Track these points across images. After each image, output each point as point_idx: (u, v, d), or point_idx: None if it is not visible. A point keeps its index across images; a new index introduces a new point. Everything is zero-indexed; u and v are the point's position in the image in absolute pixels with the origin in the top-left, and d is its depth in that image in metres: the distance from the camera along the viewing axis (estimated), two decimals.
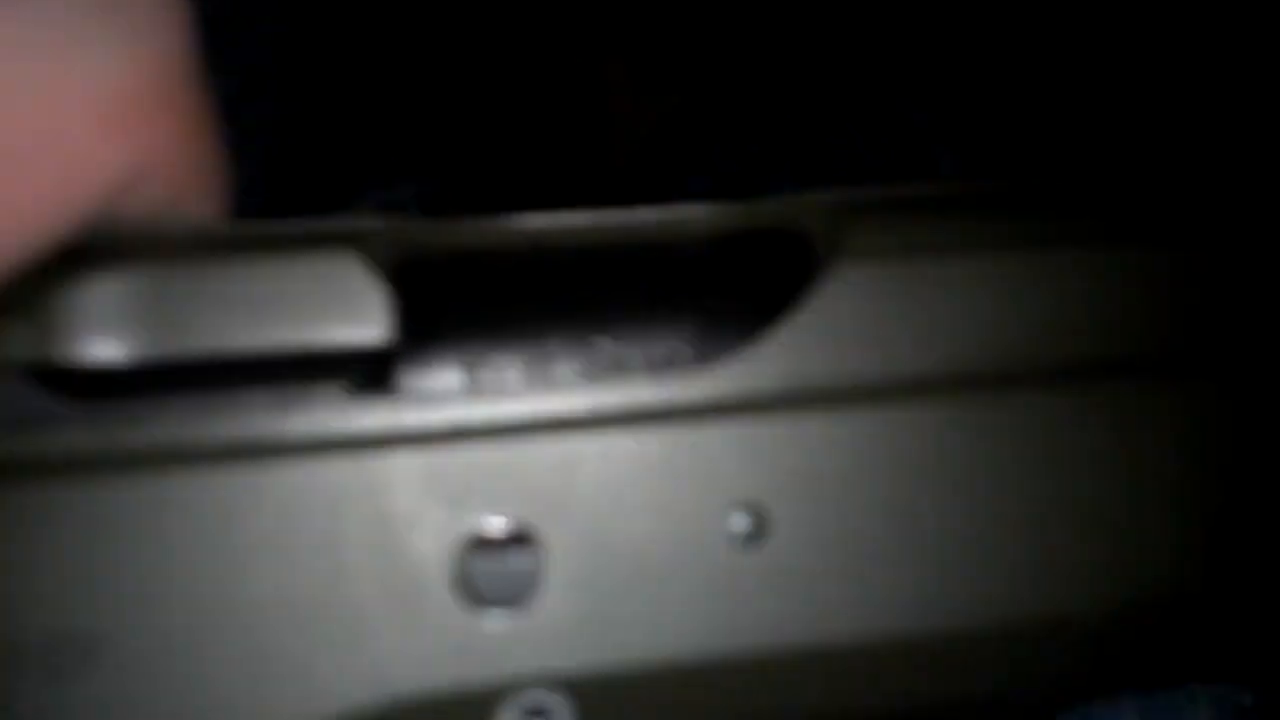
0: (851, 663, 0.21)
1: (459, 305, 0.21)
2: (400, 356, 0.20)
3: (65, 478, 0.19)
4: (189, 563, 0.19)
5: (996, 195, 0.23)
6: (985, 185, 0.23)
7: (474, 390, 0.20)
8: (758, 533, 0.20)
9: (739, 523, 0.20)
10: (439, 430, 0.20)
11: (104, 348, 0.18)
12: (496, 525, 0.20)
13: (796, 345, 0.21)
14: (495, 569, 0.20)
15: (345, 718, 0.19)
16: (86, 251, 0.18)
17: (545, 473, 0.20)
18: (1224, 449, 0.22)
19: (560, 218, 0.22)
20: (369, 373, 0.20)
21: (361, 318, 0.19)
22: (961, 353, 0.21)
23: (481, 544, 0.20)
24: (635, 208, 0.22)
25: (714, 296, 0.21)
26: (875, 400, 0.21)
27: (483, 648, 0.20)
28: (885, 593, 0.21)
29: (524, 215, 0.22)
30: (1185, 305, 0.22)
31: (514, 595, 0.20)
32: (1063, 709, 0.24)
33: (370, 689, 0.19)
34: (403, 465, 0.19)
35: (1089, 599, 0.21)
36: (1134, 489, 0.22)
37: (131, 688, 0.19)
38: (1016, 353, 0.21)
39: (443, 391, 0.20)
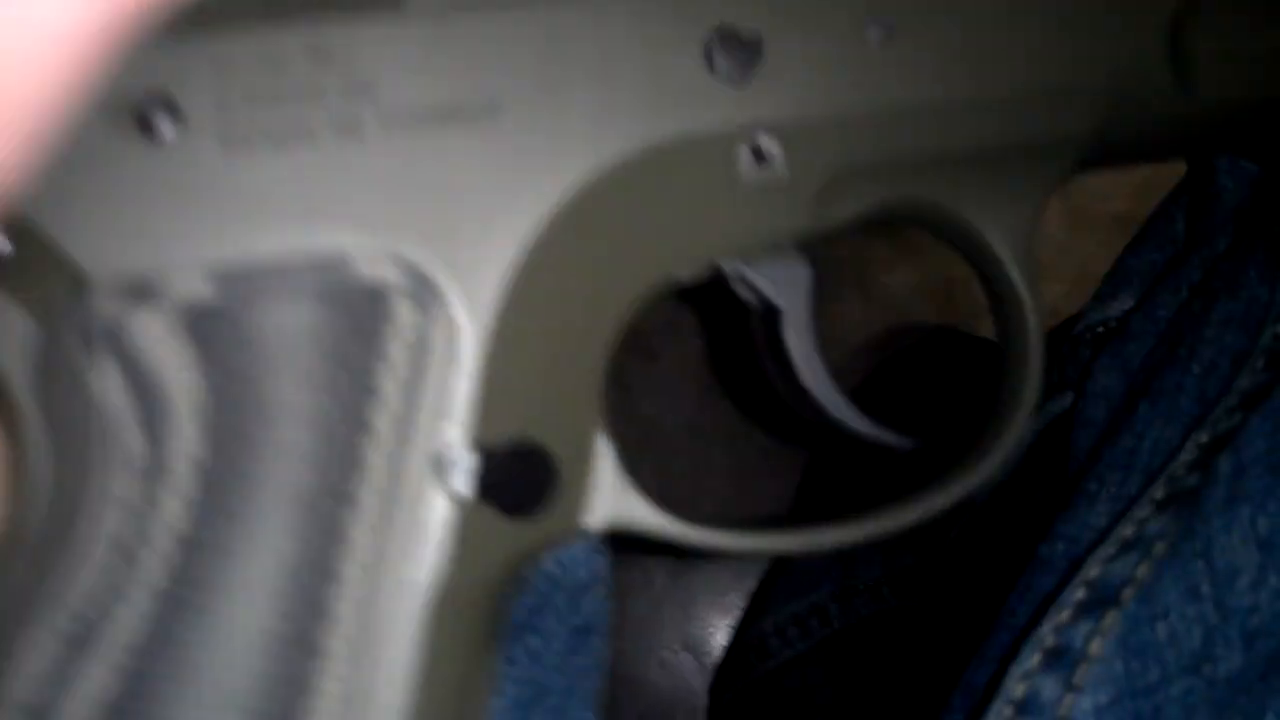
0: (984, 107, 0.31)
1: None
2: None
3: None
4: None
5: None
6: None
7: None
8: (887, 36, 0.30)
9: (873, 31, 0.30)
10: None
11: None
12: (734, 24, 0.30)
13: None
14: (731, 51, 0.29)
15: (619, 159, 0.29)
16: None
17: None
18: None
19: None
20: None
21: None
22: None
23: (724, 34, 0.29)
24: None
25: None
26: None
27: (719, 104, 0.30)
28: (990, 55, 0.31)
29: None
30: None
31: (744, 70, 0.30)
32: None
33: (631, 140, 0.29)
34: None
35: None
36: None
37: None
38: None
39: None
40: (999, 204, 0.33)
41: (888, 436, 0.36)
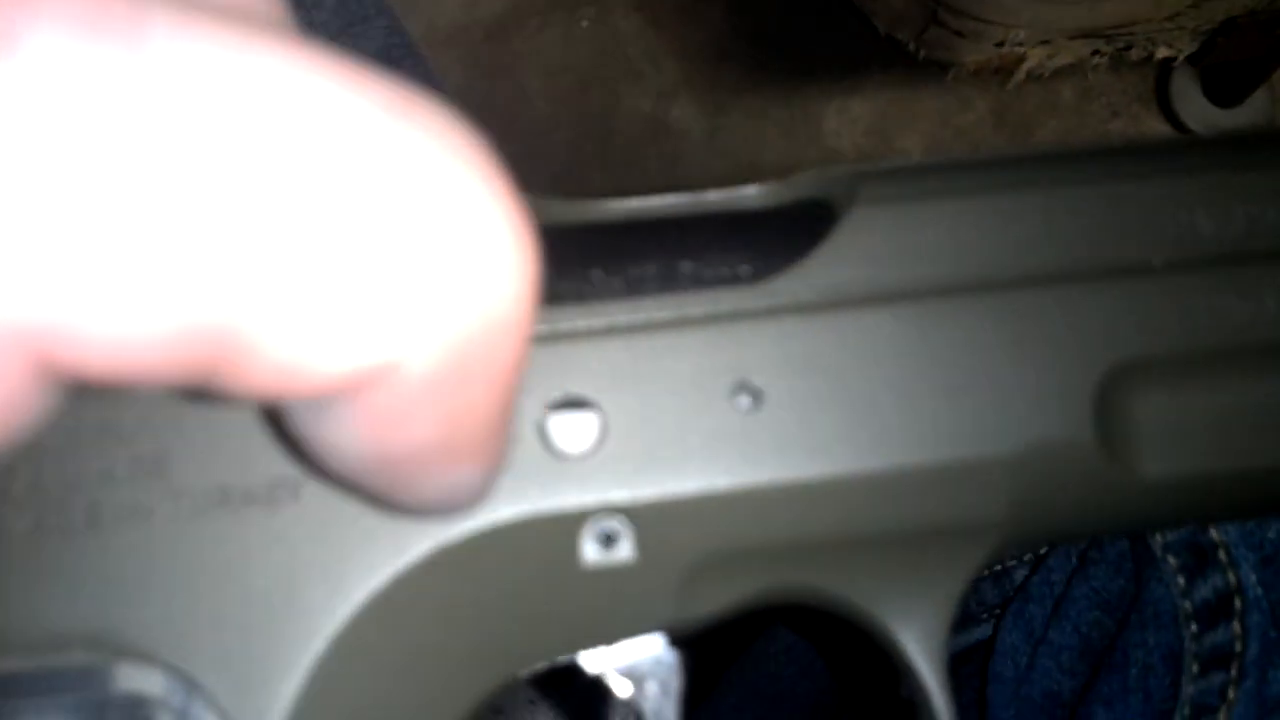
0: (835, 494, 0.27)
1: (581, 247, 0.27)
2: None
3: None
4: None
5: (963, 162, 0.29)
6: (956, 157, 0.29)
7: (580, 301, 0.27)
8: (756, 404, 0.27)
9: (741, 399, 0.27)
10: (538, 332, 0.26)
11: None
12: (572, 394, 0.26)
13: (814, 271, 0.28)
14: (568, 426, 0.26)
15: (464, 537, 0.25)
16: None
17: (616, 357, 0.27)
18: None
19: (652, 199, 0.28)
20: None
21: None
22: (931, 274, 0.28)
23: (558, 406, 0.26)
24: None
25: (765, 239, 0.28)
26: (865, 306, 0.28)
27: (563, 485, 0.26)
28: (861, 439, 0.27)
29: (626, 198, 0.28)
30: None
31: (584, 446, 0.26)
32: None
33: (448, 525, 0.25)
34: None
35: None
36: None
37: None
38: (975, 274, 0.28)
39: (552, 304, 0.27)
40: (910, 599, 0.28)
41: None
